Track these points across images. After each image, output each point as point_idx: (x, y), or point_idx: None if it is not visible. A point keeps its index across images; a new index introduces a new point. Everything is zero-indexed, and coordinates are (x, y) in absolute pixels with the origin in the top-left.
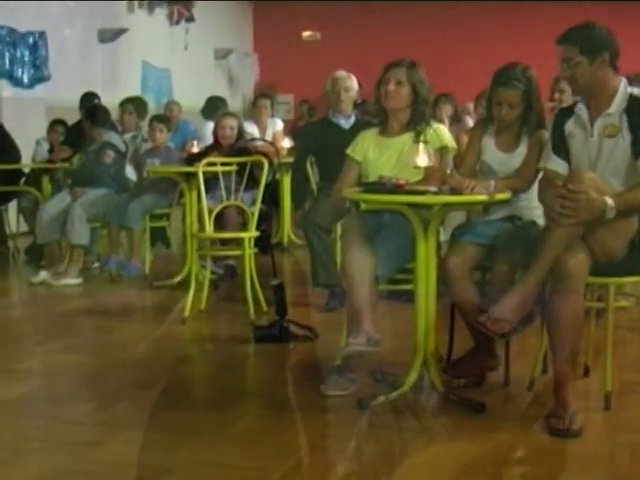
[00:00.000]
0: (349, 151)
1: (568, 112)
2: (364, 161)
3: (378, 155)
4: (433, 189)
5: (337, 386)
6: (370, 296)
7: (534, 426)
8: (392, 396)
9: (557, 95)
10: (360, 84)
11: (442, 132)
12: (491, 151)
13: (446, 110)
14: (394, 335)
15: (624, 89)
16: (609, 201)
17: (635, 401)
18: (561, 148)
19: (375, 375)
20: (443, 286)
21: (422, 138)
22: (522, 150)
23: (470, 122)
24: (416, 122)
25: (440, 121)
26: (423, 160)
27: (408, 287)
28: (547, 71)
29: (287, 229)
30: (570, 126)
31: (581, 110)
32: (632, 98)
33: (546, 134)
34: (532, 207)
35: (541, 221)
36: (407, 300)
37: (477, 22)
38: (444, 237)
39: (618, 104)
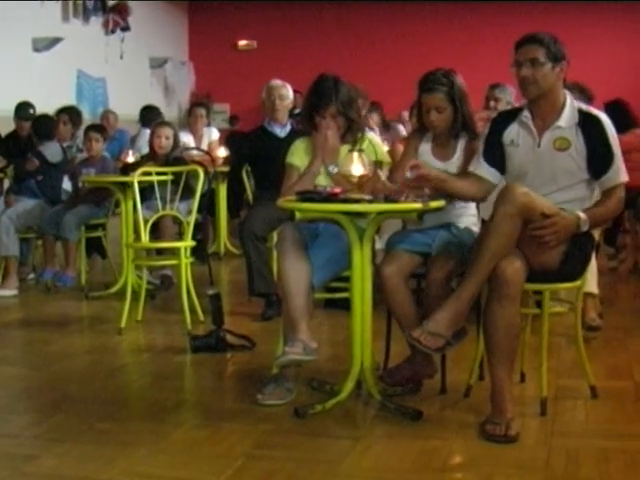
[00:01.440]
0: (288, 158)
1: (509, 118)
2: (303, 167)
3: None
4: (368, 197)
5: (274, 395)
6: (306, 305)
7: (471, 433)
8: (329, 404)
9: (492, 103)
10: (300, 93)
11: (377, 144)
12: (427, 160)
13: (374, 119)
14: (331, 343)
15: (571, 102)
16: (582, 215)
17: (571, 406)
18: (495, 155)
19: (312, 384)
20: (379, 294)
21: (357, 147)
22: (458, 159)
23: (403, 131)
24: (352, 132)
25: (370, 129)
26: (358, 169)
27: (344, 295)
28: (484, 77)
29: (223, 238)
30: (512, 134)
31: (527, 118)
32: (583, 113)
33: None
34: (468, 214)
35: (476, 228)
36: (343, 308)
37: (410, 30)
38: (380, 245)
39: (568, 117)
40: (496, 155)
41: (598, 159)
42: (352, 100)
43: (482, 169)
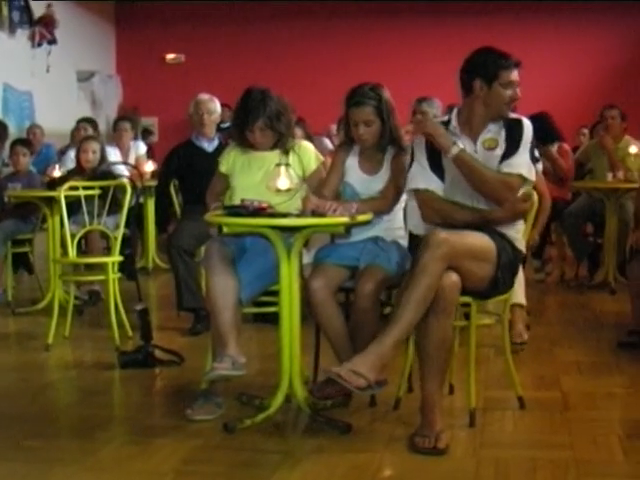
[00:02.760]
0: (218, 165)
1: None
2: (231, 173)
3: (247, 168)
4: (295, 211)
5: (203, 410)
6: (234, 320)
7: (400, 445)
8: (258, 419)
9: (419, 116)
10: (229, 106)
11: (308, 156)
12: (354, 173)
13: (298, 134)
14: (260, 357)
15: None
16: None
17: (499, 417)
18: (437, 164)
19: (241, 398)
20: (307, 308)
21: (284, 161)
22: (385, 172)
23: (330, 144)
24: (283, 142)
25: None
26: (284, 183)
27: (273, 309)
28: (411, 90)
29: (151, 253)
30: None
31: (455, 129)
32: (510, 118)
33: (407, 157)
34: (394, 228)
35: (403, 242)
36: (272, 322)
37: (338, 44)
38: (308, 259)
39: (496, 122)
40: (438, 164)
41: (507, 150)
42: (281, 113)
43: (432, 181)
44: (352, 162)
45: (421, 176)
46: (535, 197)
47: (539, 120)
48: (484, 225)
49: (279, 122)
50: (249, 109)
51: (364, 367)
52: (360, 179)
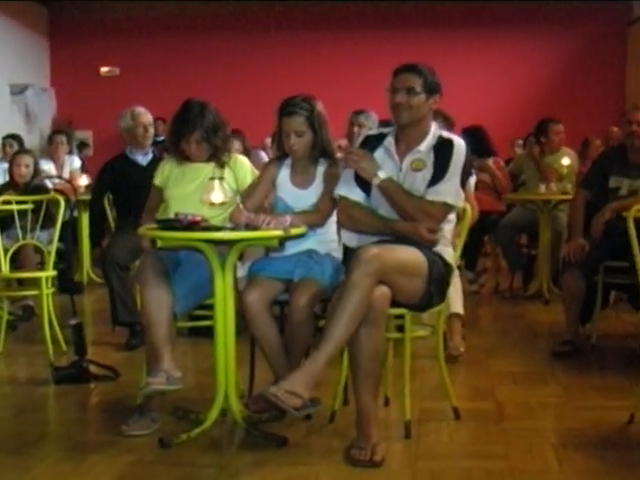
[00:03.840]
0: (154, 179)
1: (375, 141)
2: (165, 185)
3: (181, 180)
4: (229, 225)
5: (138, 426)
6: (168, 334)
7: (337, 458)
8: (194, 433)
9: (356, 129)
10: (163, 120)
11: (243, 170)
12: (287, 187)
13: (236, 146)
14: (196, 371)
15: (435, 130)
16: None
17: (434, 428)
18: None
19: (177, 413)
20: (242, 321)
21: (218, 174)
22: (318, 185)
23: (265, 157)
24: (218, 155)
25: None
26: (218, 197)
27: (208, 323)
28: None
29: (86, 267)
30: (378, 157)
31: (390, 144)
32: (442, 138)
33: (340, 170)
34: (328, 241)
35: (337, 254)
36: (207, 336)
37: (277, 56)
38: (243, 272)
39: (428, 142)
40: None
41: (434, 176)
42: (218, 127)
43: (354, 193)
44: (284, 176)
45: (345, 184)
46: (469, 209)
47: (474, 134)
48: (392, 236)
49: (215, 136)
50: (187, 120)
51: (299, 386)
52: (292, 193)
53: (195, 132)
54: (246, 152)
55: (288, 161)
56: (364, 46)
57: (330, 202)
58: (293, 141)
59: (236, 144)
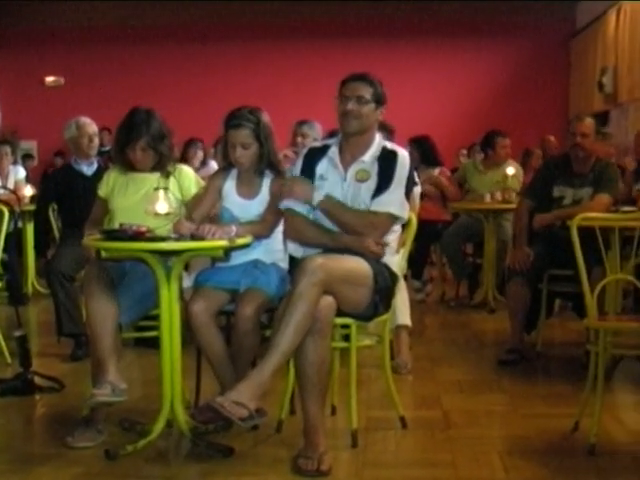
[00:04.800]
0: (98, 190)
1: (319, 153)
2: (110, 196)
3: (125, 190)
4: (174, 235)
5: (84, 437)
6: (113, 345)
7: (284, 468)
8: (140, 445)
9: (300, 139)
10: (109, 130)
11: (188, 180)
12: (232, 197)
13: (196, 154)
14: (142, 382)
15: (379, 141)
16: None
17: (381, 437)
18: None
19: (123, 424)
20: (188, 332)
21: (163, 185)
22: (263, 196)
23: (215, 167)
24: (163, 165)
25: (190, 165)
26: (163, 207)
27: (153, 334)
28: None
29: (31, 278)
30: (322, 168)
31: (334, 154)
32: (386, 150)
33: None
34: (274, 250)
35: (283, 264)
36: (153, 347)
37: (225, 66)
38: (189, 283)
39: (372, 153)
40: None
41: (378, 186)
42: (164, 135)
43: (299, 206)
44: (230, 186)
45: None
46: (414, 219)
47: (421, 144)
48: (334, 247)
49: (161, 143)
50: (133, 127)
51: (246, 397)
52: (238, 203)
53: (141, 139)
54: (205, 160)
55: (234, 172)
56: (311, 56)
57: (276, 213)
58: (239, 153)
59: (199, 153)
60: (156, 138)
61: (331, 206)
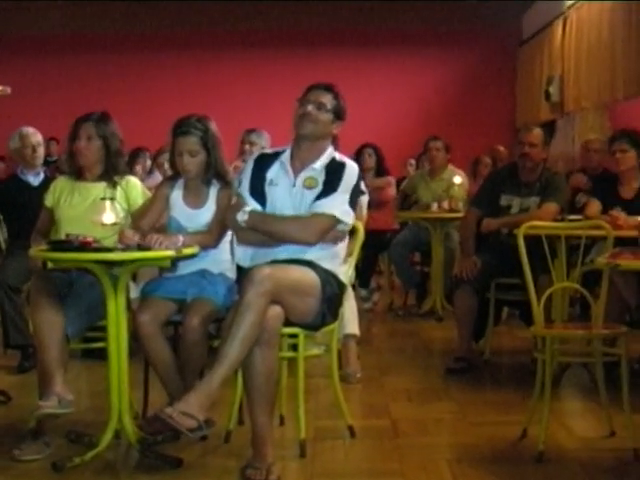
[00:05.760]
0: (44, 201)
1: (270, 158)
2: (56, 206)
3: (71, 200)
4: (121, 245)
5: (31, 450)
6: (60, 357)
7: (232, 478)
8: (88, 457)
9: (247, 147)
10: (56, 140)
11: (135, 191)
12: (179, 207)
13: (142, 163)
14: (89, 394)
15: (331, 152)
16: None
17: (330, 446)
18: (260, 193)
19: (70, 436)
20: (135, 342)
21: (109, 195)
22: (210, 205)
23: (160, 176)
24: (110, 175)
25: (136, 174)
26: (109, 218)
27: (101, 345)
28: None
29: None
30: (272, 173)
31: (286, 159)
32: (334, 160)
33: (233, 191)
34: (221, 260)
35: (230, 274)
36: (101, 358)
37: (175, 75)
38: (136, 293)
39: (322, 162)
40: (261, 192)
41: (322, 192)
42: (115, 136)
43: (251, 204)
44: (177, 196)
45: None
46: (361, 227)
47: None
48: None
49: (112, 142)
50: (82, 119)
51: (194, 407)
52: (185, 213)
53: (89, 122)
54: (150, 172)
55: (181, 181)
56: (260, 65)
57: (222, 223)
58: (186, 161)
59: (145, 162)
60: (107, 132)
61: (258, 221)
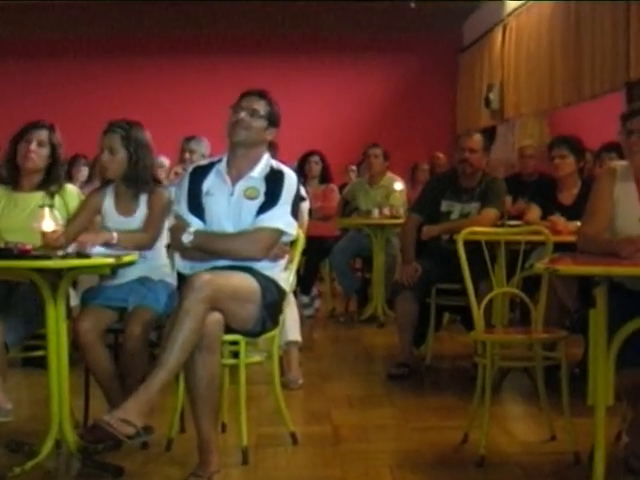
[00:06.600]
0: None
1: (205, 170)
2: None
3: (9, 210)
4: (60, 253)
5: None
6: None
7: None
8: (28, 466)
9: (187, 155)
10: None
11: (73, 199)
12: (112, 216)
13: (81, 171)
14: (29, 403)
15: (267, 159)
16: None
17: (272, 453)
18: (198, 205)
19: (10, 446)
20: (76, 351)
21: (48, 202)
22: (142, 212)
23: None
24: (50, 182)
25: (75, 182)
26: (49, 225)
27: (41, 353)
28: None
29: None
30: (209, 184)
31: (222, 168)
32: (273, 169)
33: (164, 193)
34: (160, 266)
35: (170, 279)
36: (41, 366)
37: (113, 81)
38: (76, 301)
39: (261, 170)
40: (199, 205)
41: (264, 204)
42: (60, 146)
43: (192, 222)
44: (109, 204)
45: (181, 212)
46: (302, 235)
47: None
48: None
49: (59, 151)
50: (30, 126)
51: (132, 414)
52: (118, 221)
53: (42, 130)
54: (90, 176)
55: (111, 188)
56: (200, 72)
57: (155, 225)
58: (106, 157)
59: (83, 169)
60: (55, 140)
61: (204, 240)
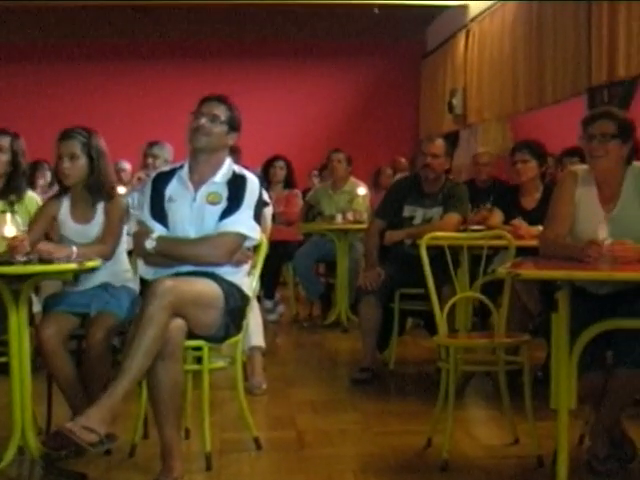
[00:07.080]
0: None
1: (167, 176)
2: None
3: None
4: (22, 258)
5: None
6: None
7: None
8: None
9: (150, 160)
10: None
11: (32, 198)
12: (69, 224)
13: (43, 177)
14: None
15: (229, 163)
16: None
17: (235, 459)
18: (161, 211)
19: None
20: (38, 357)
21: (10, 208)
22: (99, 219)
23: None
24: (10, 192)
25: (37, 187)
26: (10, 231)
27: (2, 360)
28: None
29: None
30: (171, 190)
31: (184, 173)
32: (235, 174)
33: (122, 201)
34: (121, 271)
35: (132, 284)
36: (3, 373)
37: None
38: (39, 307)
39: (223, 175)
40: (162, 211)
41: (227, 209)
42: (24, 153)
43: (156, 228)
44: (65, 212)
45: (144, 219)
46: (265, 240)
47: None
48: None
49: (22, 159)
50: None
51: (95, 421)
52: (75, 229)
53: (4, 137)
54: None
55: (67, 199)
56: (164, 77)
57: (113, 234)
58: (66, 164)
59: (45, 174)
60: (17, 145)
61: (167, 246)
